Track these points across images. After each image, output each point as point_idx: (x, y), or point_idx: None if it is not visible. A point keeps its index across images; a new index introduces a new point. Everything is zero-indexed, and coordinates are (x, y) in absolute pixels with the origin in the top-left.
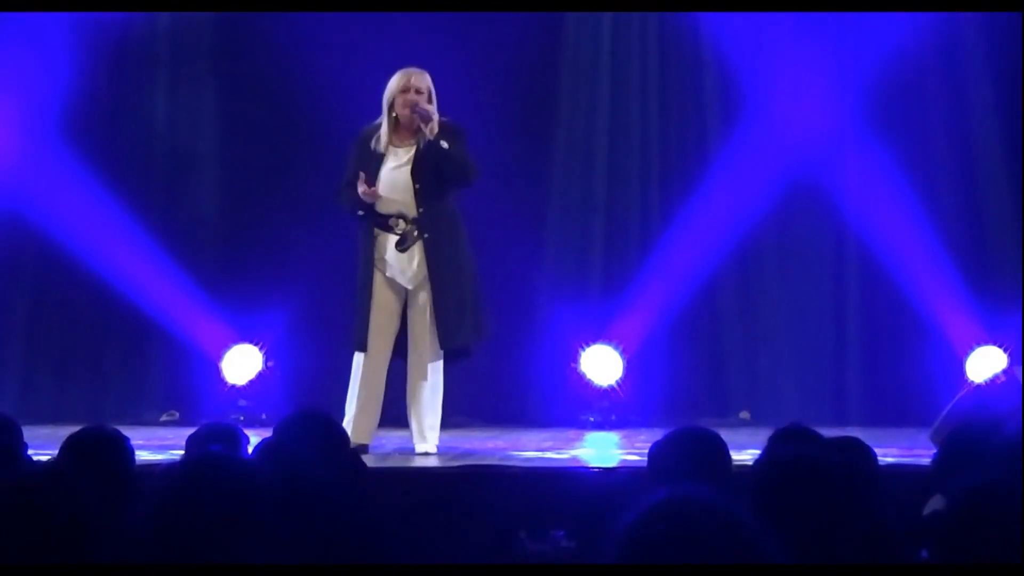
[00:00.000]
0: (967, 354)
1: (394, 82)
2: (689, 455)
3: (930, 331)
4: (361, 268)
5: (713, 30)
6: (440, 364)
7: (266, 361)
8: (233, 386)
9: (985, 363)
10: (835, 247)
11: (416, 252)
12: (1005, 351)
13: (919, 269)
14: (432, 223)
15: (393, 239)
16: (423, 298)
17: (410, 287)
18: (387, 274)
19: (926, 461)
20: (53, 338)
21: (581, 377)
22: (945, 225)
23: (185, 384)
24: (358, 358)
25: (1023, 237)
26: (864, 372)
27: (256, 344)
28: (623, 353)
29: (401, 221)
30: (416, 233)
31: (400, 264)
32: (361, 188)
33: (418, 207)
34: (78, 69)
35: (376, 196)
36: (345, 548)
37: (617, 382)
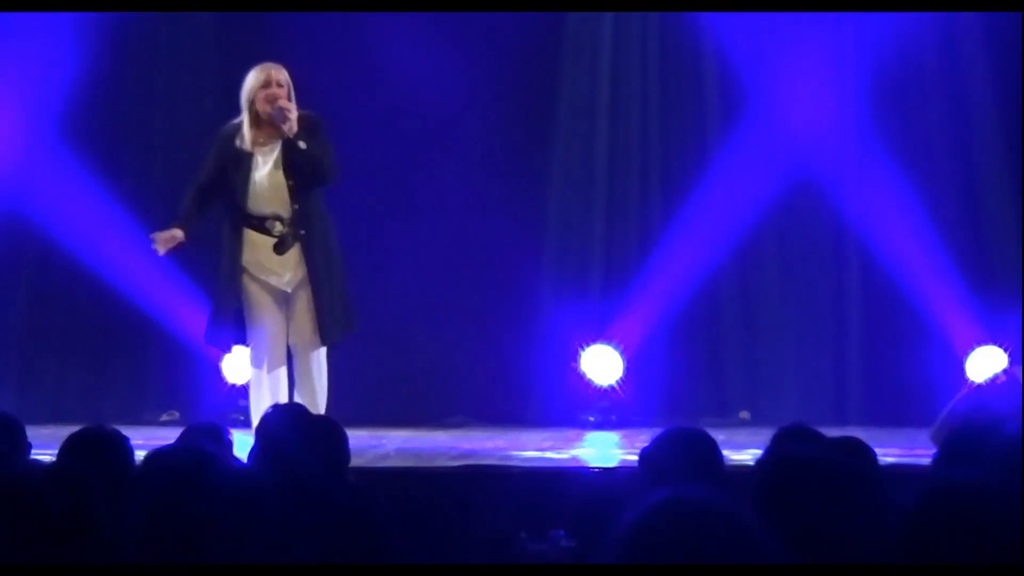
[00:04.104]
0: (967, 354)
1: (252, 78)
2: (681, 456)
3: (930, 331)
4: (225, 272)
5: (713, 30)
6: (325, 362)
7: None
8: (233, 386)
9: (985, 363)
10: (835, 247)
11: (294, 254)
12: (1005, 351)
13: (919, 269)
14: (305, 220)
15: (268, 242)
16: (304, 298)
17: (288, 290)
18: (263, 278)
19: (926, 461)
20: (53, 338)
21: (581, 377)
22: (945, 225)
23: (185, 384)
24: (256, 375)
25: (1023, 237)
26: (864, 372)
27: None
28: (623, 353)
29: (277, 223)
30: (293, 234)
31: (280, 268)
32: (162, 239)
33: (292, 204)
34: (78, 68)
35: (170, 243)
36: (344, 548)
37: (617, 382)
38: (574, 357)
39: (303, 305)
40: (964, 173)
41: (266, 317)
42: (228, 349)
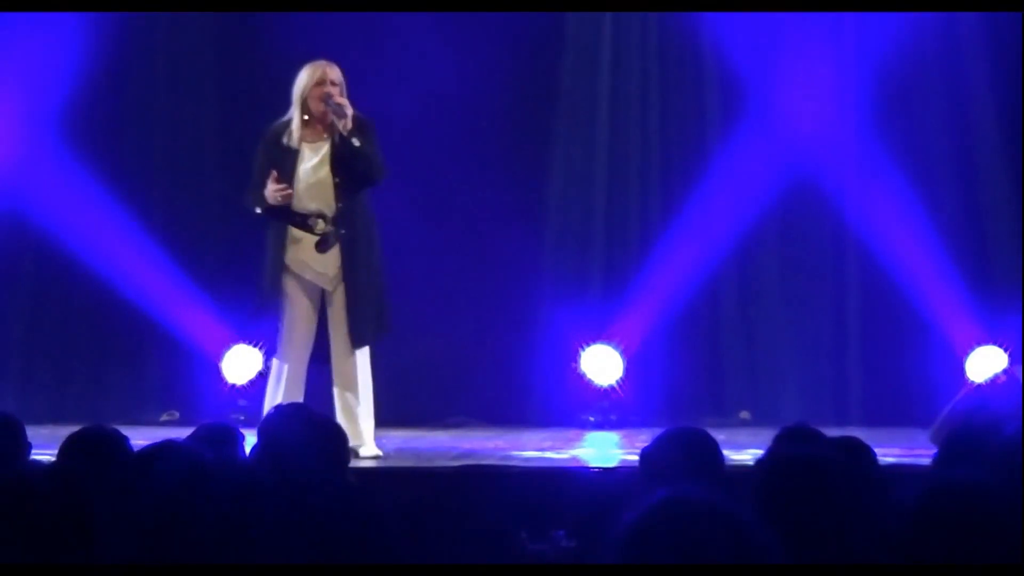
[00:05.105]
0: (967, 354)
1: (306, 75)
2: (681, 456)
3: (930, 331)
4: (269, 269)
5: (713, 30)
6: (367, 363)
7: (266, 361)
8: (233, 386)
9: (985, 363)
10: (835, 247)
11: (335, 253)
12: (1005, 351)
13: (919, 269)
14: (349, 219)
15: (311, 240)
16: (343, 297)
17: (329, 288)
18: (306, 277)
19: (926, 461)
20: (53, 338)
21: (581, 377)
22: (945, 225)
23: (185, 384)
24: (277, 366)
25: (1023, 237)
26: (864, 372)
27: (256, 344)
28: (623, 353)
29: (320, 221)
30: (336, 232)
31: (321, 266)
32: (272, 187)
33: (337, 203)
34: (78, 68)
35: (289, 196)
36: (344, 548)
37: (617, 382)
38: (574, 357)
39: (341, 305)
40: (964, 173)
41: (298, 315)
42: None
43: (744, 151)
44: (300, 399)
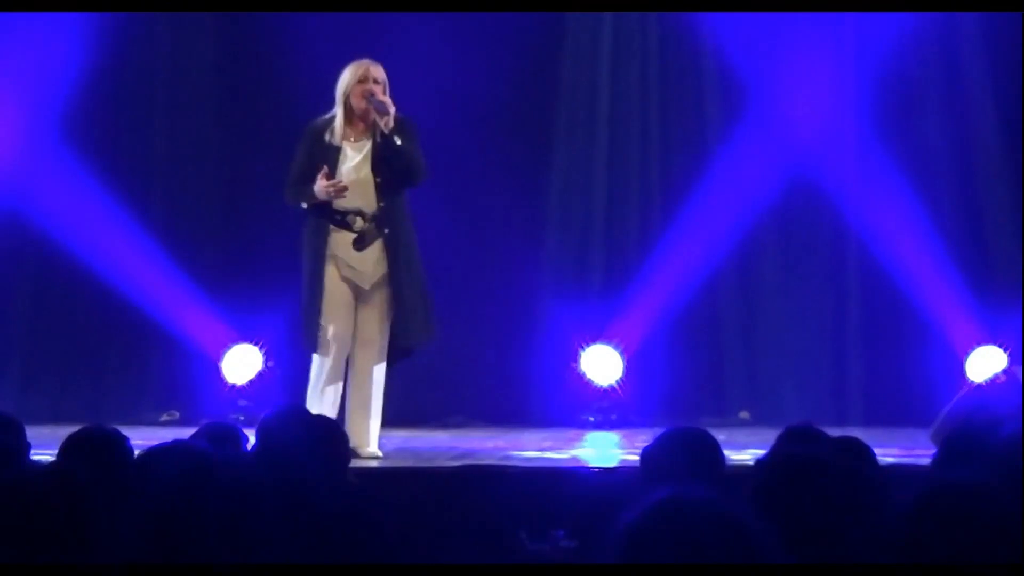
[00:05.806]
0: (967, 354)
1: (349, 73)
2: (682, 455)
3: (930, 331)
4: (309, 265)
5: (713, 30)
6: (384, 366)
7: (266, 361)
8: (233, 386)
9: (985, 363)
10: (835, 247)
11: (375, 251)
12: (1005, 351)
13: (919, 269)
14: (391, 218)
15: (349, 237)
16: (379, 298)
17: (366, 287)
18: (343, 273)
19: (926, 461)
20: (53, 338)
21: (581, 377)
22: (945, 225)
23: (185, 384)
24: (319, 361)
25: (1023, 237)
26: (864, 372)
27: (256, 344)
28: (623, 353)
29: (359, 219)
30: (375, 231)
31: (359, 264)
32: (322, 183)
33: (378, 202)
34: (79, 68)
35: (342, 191)
36: (344, 548)
37: (617, 382)
38: (574, 357)
39: (377, 305)
40: (964, 173)
41: (336, 310)
42: (315, 350)
43: (744, 151)
44: (339, 392)
